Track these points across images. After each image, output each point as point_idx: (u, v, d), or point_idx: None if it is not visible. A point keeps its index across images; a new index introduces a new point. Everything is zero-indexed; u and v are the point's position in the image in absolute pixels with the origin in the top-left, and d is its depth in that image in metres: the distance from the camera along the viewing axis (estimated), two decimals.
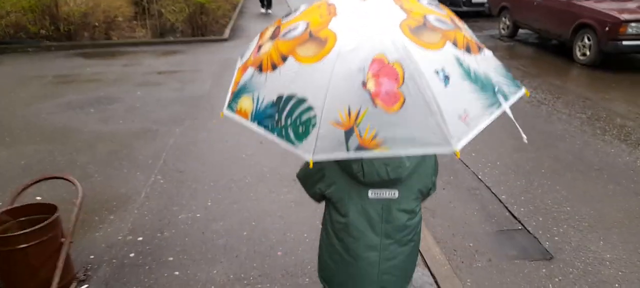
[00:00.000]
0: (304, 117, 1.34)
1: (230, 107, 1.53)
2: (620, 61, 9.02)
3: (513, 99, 1.46)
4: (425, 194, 1.80)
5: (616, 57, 8.88)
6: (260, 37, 1.64)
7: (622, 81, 7.97)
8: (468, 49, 1.43)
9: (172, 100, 6.88)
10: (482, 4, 14.00)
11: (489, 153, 5.13)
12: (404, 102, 1.29)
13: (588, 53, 8.72)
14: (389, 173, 1.60)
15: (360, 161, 1.58)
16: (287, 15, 1.64)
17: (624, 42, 8.13)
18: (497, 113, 1.41)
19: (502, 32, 11.37)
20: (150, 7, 11.81)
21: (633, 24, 8.03)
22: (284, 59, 1.41)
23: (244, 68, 1.58)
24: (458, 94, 1.34)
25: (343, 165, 1.64)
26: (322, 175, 1.70)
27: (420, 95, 1.29)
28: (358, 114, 1.29)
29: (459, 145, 1.28)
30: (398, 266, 1.80)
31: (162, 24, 11.63)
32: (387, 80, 1.29)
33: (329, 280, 1.93)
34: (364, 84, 1.29)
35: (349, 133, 1.30)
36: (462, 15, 13.07)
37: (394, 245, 1.75)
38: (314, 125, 1.32)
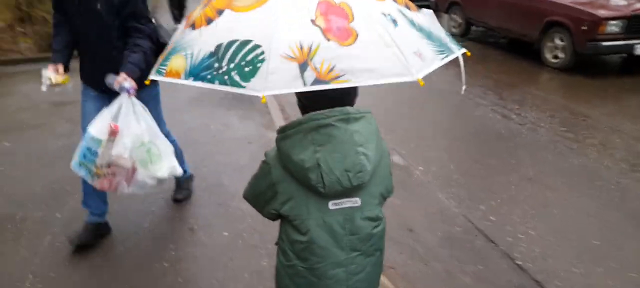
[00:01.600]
0: (250, 56, 1.25)
1: (158, 71, 1.42)
2: (594, 63, 8.03)
3: (452, 55, 1.46)
4: (386, 197, 1.60)
5: (589, 59, 7.86)
6: (188, 16, 1.53)
7: (609, 88, 6.92)
8: (407, 7, 1.46)
9: (55, 157, 4.72)
10: None
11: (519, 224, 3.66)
12: (357, 36, 1.26)
13: (561, 55, 7.61)
14: (352, 180, 1.40)
15: (318, 171, 1.37)
16: None
17: (604, 43, 7.07)
18: (448, 58, 1.42)
19: (453, 30, 10.12)
20: (32, 12, 9.20)
21: (613, 22, 6.98)
22: (220, 12, 1.35)
23: (172, 41, 1.50)
24: (408, 36, 1.34)
25: (300, 178, 1.42)
26: (275, 192, 1.48)
27: (373, 30, 1.27)
28: (310, 49, 1.23)
29: (421, 74, 1.27)
30: (365, 279, 1.61)
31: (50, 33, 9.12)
32: (336, 17, 1.26)
33: None
34: (313, 21, 1.25)
35: (303, 66, 1.23)
36: None
37: (360, 257, 1.55)
38: (262, 61, 1.24)
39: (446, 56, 1.44)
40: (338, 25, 1.26)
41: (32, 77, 7.44)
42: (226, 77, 1.27)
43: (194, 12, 1.49)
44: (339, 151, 1.36)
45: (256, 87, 1.23)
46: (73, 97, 6.50)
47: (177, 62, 1.37)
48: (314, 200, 1.46)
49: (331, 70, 1.23)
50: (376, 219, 1.55)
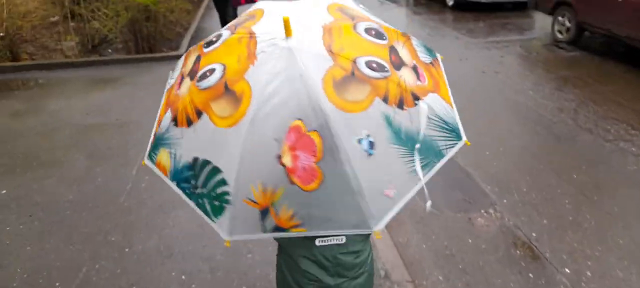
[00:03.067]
0: (219, 191, 1.24)
1: (150, 157, 1.42)
2: None
3: (448, 155, 1.31)
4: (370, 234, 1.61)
5: None
6: (186, 59, 1.49)
7: None
8: (401, 104, 1.23)
9: (53, 222, 3.51)
10: None
11: None
12: (322, 180, 1.18)
13: None
14: None
15: None
16: (209, 43, 1.44)
17: None
18: (432, 171, 1.27)
19: (558, 35, 8.19)
20: (78, 9, 8.23)
21: None
22: (199, 114, 1.26)
23: (166, 103, 1.45)
24: (383, 163, 1.21)
25: None
26: None
27: (339, 172, 1.17)
28: (273, 192, 1.19)
29: (378, 226, 1.21)
30: None
31: (96, 33, 8.11)
32: (303, 154, 1.17)
33: None
34: (280, 158, 1.18)
35: (264, 213, 1.22)
36: (482, 9, 8.34)
37: (348, 282, 1.65)
38: (227, 202, 1.23)
39: (431, 168, 1.26)
40: (304, 165, 1.18)
41: (67, 89, 6.44)
42: (200, 200, 1.28)
43: (189, 59, 1.45)
44: None
45: (223, 228, 1.25)
46: (104, 118, 5.49)
47: (164, 158, 1.35)
48: (301, 238, 1.49)
49: (291, 218, 1.21)
50: (358, 252, 1.62)
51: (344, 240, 1.51)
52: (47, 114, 5.60)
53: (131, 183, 4.00)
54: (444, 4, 11.81)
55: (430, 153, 1.27)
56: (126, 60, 7.72)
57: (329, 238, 1.47)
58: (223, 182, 1.22)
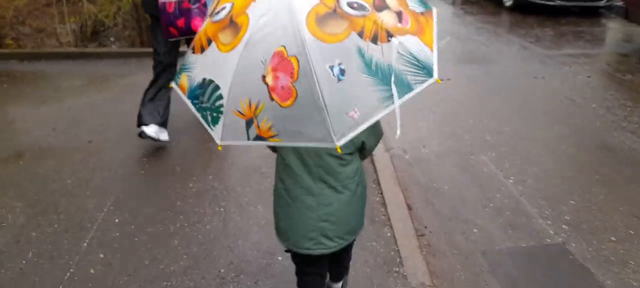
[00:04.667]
0: (217, 103, 1.42)
1: (175, 81, 1.61)
2: None
3: (417, 89, 1.39)
4: (357, 146, 1.79)
5: None
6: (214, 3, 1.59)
7: None
8: (375, 39, 1.35)
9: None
10: None
11: None
12: (296, 98, 1.32)
13: None
14: None
15: None
16: None
17: None
18: (390, 108, 1.36)
19: None
20: None
21: None
22: (209, 43, 1.46)
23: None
24: (351, 90, 1.33)
25: None
26: None
27: (310, 91, 1.31)
28: (257, 106, 1.35)
29: (341, 141, 1.33)
30: (335, 213, 1.82)
31: (93, 20, 6.75)
32: (283, 75, 1.32)
33: (279, 229, 1.94)
34: (264, 77, 1.33)
35: (249, 123, 1.38)
36: (546, 12, 9.05)
37: (329, 190, 1.78)
38: (221, 113, 1.41)
39: (399, 99, 1.35)
40: (282, 84, 1.32)
41: (42, 88, 5.08)
42: (205, 113, 1.47)
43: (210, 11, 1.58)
44: None
45: (217, 136, 1.44)
46: (72, 137, 4.16)
47: (185, 80, 1.55)
48: None
49: (270, 129, 1.37)
50: (341, 158, 1.75)
51: None
52: (23, 120, 4.29)
53: (73, 269, 2.61)
54: (500, 4, 10.09)
55: (399, 86, 1.36)
56: (127, 54, 6.35)
57: None
58: (220, 97, 1.41)
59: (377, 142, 1.89)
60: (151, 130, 3.72)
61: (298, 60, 1.30)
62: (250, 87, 1.35)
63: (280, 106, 1.32)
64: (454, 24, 8.73)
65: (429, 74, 1.40)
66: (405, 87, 1.36)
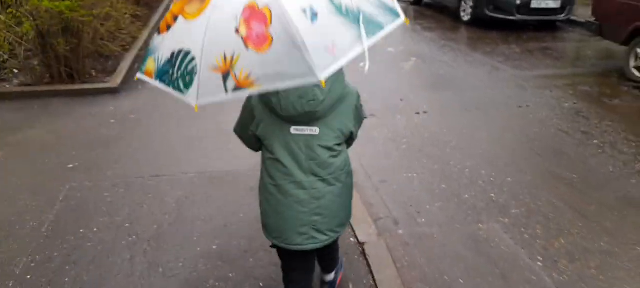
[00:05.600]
0: (189, 67, 1.40)
1: (141, 70, 1.58)
2: None
3: (388, 28, 1.45)
4: (346, 136, 1.79)
5: None
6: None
7: None
8: None
9: None
10: (554, 10, 8.62)
11: None
12: (271, 41, 1.31)
13: None
14: (304, 106, 1.61)
15: (278, 94, 1.59)
16: None
17: None
18: (373, 39, 1.40)
19: (636, 74, 5.96)
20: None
21: None
22: (175, 18, 1.47)
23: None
24: (326, 29, 1.35)
25: (265, 101, 1.66)
26: (252, 116, 1.74)
27: (286, 33, 1.30)
28: (232, 58, 1.33)
29: (323, 75, 1.30)
30: (327, 206, 1.79)
31: None
32: (257, 23, 1.32)
33: (267, 226, 1.90)
34: (237, 30, 1.33)
35: (226, 76, 1.35)
36: (504, 27, 8.59)
37: (320, 183, 1.75)
38: (195, 73, 1.39)
39: (373, 36, 1.40)
40: (257, 32, 1.31)
41: None
42: (176, 83, 1.44)
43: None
44: None
45: (192, 96, 1.40)
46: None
47: (151, 64, 1.53)
48: (278, 123, 1.69)
49: (248, 77, 1.33)
50: (332, 150, 1.75)
51: (317, 131, 1.68)
52: None
53: None
54: (456, 18, 9.51)
55: (371, 25, 1.41)
56: (28, 94, 4.99)
57: (302, 128, 1.67)
58: (192, 59, 1.40)
59: (360, 127, 1.90)
60: None
61: (270, 9, 1.32)
62: (224, 41, 1.35)
63: (257, 52, 1.32)
64: (415, 42, 7.99)
65: (397, 15, 1.48)
66: (376, 26, 1.42)
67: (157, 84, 1.50)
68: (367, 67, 1.37)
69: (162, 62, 1.47)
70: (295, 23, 1.29)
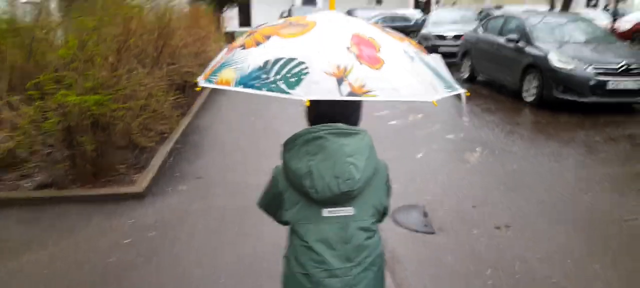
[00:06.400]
0: (295, 70, 1.38)
1: (209, 80, 1.53)
2: None
3: (458, 90, 1.55)
4: (380, 212, 1.69)
5: None
6: (233, 44, 1.65)
7: None
8: (421, 50, 1.62)
9: None
10: (632, 92, 7.61)
11: None
12: (384, 63, 1.40)
13: None
14: (340, 186, 1.52)
15: (311, 177, 1.51)
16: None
17: None
18: (453, 93, 1.52)
19: None
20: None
21: None
22: (268, 38, 1.47)
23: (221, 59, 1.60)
24: (423, 70, 1.48)
25: (296, 185, 1.56)
26: (281, 201, 1.61)
27: (396, 60, 1.43)
28: (346, 68, 1.37)
29: (436, 97, 1.39)
30: None
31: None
32: (366, 48, 1.42)
33: None
34: (348, 49, 1.40)
35: (340, 81, 1.36)
36: (573, 108, 7.72)
37: (356, 269, 1.61)
38: (305, 74, 1.37)
39: (452, 91, 1.53)
40: (368, 54, 1.40)
41: None
42: (273, 85, 1.39)
43: (239, 39, 1.61)
44: (329, 160, 1.49)
45: (300, 94, 1.36)
46: None
47: (228, 74, 1.48)
48: (311, 207, 1.57)
49: (363, 86, 1.36)
50: (369, 230, 1.62)
51: (353, 212, 1.58)
52: None
53: None
54: (517, 98, 8.60)
55: (449, 83, 1.55)
56: (40, 201, 4.35)
57: (337, 209, 1.56)
58: (300, 63, 1.38)
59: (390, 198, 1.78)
60: None
61: (376, 41, 1.45)
62: (336, 55, 1.38)
63: (371, 68, 1.37)
64: (476, 128, 7.10)
65: (454, 88, 1.56)
66: (451, 86, 1.54)
67: (237, 89, 1.44)
68: (467, 120, 1.19)
69: (251, 69, 1.43)
70: (401, 57, 1.46)
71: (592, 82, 7.50)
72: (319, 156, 1.48)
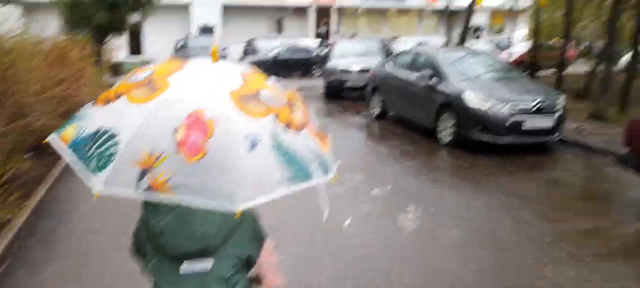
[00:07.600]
0: (109, 152, 1.32)
1: (58, 132, 1.47)
2: None
3: (313, 181, 1.42)
4: (244, 262, 1.60)
5: None
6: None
7: None
8: (288, 126, 1.44)
9: None
10: (546, 131, 7.39)
11: None
12: (204, 155, 1.29)
13: None
14: (195, 244, 1.49)
15: (165, 235, 1.48)
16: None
17: None
18: (301, 186, 1.39)
19: None
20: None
21: None
22: (118, 96, 1.40)
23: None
24: (260, 162, 1.34)
25: (153, 239, 1.52)
26: (145, 251, 1.58)
27: (220, 153, 1.30)
28: (158, 157, 1.28)
29: (241, 206, 1.27)
30: None
31: None
32: (196, 132, 1.30)
33: None
34: (175, 131, 1.30)
35: (144, 172, 1.28)
36: (488, 150, 7.22)
37: None
38: (112, 160, 1.30)
39: (300, 183, 1.38)
40: (193, 140, 1.28)
41: None
42: (88, 160, 1.32)
43: (114, 86, 1.53)
44: (185, 218, 1.45)
45: (100, 181, 1.28)
46: None
47: (71, 131, 1.42)
48: (168, 262, 1.51)
49: (167, 182, 1.27)
50: (227, 281, 1.54)
51: (210, 266, 1.51)
52: None
53: None
54: (431, 137, 8.05)
55: (301, 173, 1.39)
56: None
57: (193, 264, 1.50)
58: (114, 144, 1.31)
59: (261, 248, 1.67)
60: None
61: (214, 124, 1.31)
62: (156, 138, 1.30)
63: (186, 161, 1.28)
64: (398, 175, 6.38)
65: (326, 172, 1.46)
66: (305, 175, 1.40)
67: (67, 153, 1.36)
68: (325, 215, 1.46)
69: (84, 134, 1.36)
70: (233, 146, 1.30)
71: (508, 123, 7.17)
72: (174, 214, 1.46)
